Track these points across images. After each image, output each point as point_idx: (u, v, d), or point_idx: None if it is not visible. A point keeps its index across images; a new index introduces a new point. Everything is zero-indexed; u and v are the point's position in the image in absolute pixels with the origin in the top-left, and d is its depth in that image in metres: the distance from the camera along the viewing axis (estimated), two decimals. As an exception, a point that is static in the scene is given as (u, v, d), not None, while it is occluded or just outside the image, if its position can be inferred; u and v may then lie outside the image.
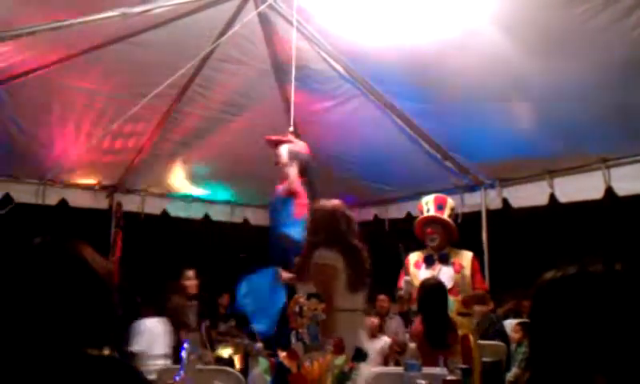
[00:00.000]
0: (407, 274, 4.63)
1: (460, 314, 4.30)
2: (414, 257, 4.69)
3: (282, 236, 4.16)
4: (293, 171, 4.28)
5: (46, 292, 1.30)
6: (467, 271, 4.48)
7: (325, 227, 3.57)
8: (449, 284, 4.32)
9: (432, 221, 4.60)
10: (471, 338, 4.28)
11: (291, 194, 4.26)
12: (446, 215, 4.60)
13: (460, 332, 4.11)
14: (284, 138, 4.50)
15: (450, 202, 4.74)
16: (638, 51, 3.61)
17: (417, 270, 4.61)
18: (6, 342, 1.28)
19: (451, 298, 4.25)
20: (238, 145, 6.22)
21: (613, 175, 4.88)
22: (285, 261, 4.09)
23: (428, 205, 4.67)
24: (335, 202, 3.72)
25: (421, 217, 4.68)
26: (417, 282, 4.45)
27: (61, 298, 1.31)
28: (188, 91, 5.45)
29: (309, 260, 3.52)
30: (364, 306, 3.73)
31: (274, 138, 4.54)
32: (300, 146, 4.47)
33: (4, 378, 1.25)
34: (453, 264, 4.50)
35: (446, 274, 4.43)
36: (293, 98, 4.64)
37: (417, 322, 4.17)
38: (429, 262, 4.56)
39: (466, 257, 4.56)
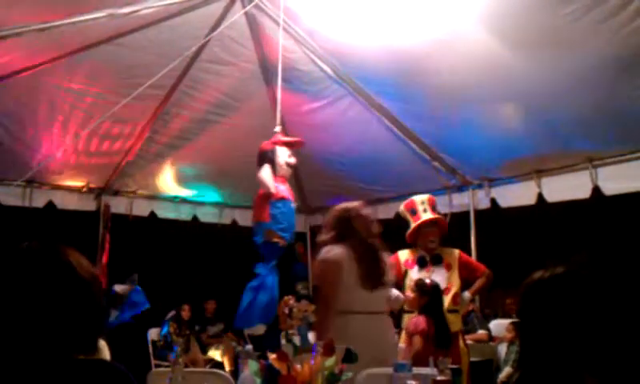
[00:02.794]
0: (399, 273, 4.60)
1: (449, 311, 4.32)
2: (404, 255, 4.66)
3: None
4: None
5: (32, 298, 1.29)
6: (455, 269, 4.50)
7: (336, 225, 3.43)
8: (443, 285, 4.34)
9: (434, 222, 4.59)
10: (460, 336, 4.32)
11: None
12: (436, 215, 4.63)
13: (450, 329, 4.16)
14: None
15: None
16: (626, 51, 3.64)
17: (408, 269, 4.60)
18: None
19: (444, 298, 4.28)
20: (227, 145, 6.21)
21: (599, 174, 4.91)
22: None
23: (424, 205, 4.63)
24: (353, 203, 3.56)
25: (426, 218, 4.58)
26: (409, 282, 4.46)
27: (46, 303, 1.30)
28: (176, 92, 5.43)
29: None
30: (385, 308, 3.48)
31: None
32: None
33: None
34: (445, 264, 4.51)
35: (439, 276, 4.43)
36: (279, 99, 4.58)
37: (420, 322, 4.13)
38: (421, 263, 4.54)
39: (453, 254, 4.58)
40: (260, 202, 4.17)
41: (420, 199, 4.67)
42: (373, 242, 3.44)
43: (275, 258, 4.09)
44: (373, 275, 3.31)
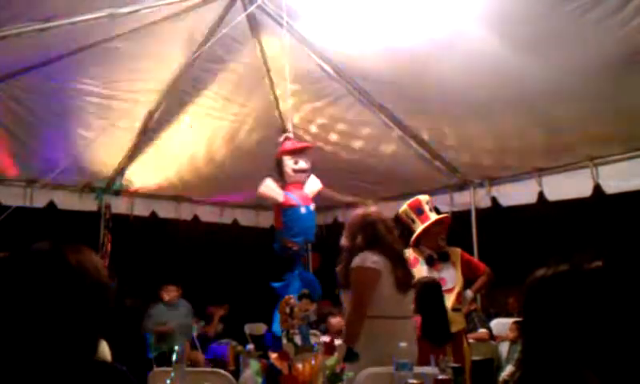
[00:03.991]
0: None
1: (453, 309, 4.31)
2: (406, 253, 4.64)
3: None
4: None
5: (35, 301, 1.28)
6: (458, 268, 4.50)
7: (360, 231, 3.46)
8: (452, 282, 4.34)
9: (440, 221, 4.59)
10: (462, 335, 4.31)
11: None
12: None
13: (453, 328, 4.14)
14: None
15: None
16: (627, 49, 3.63)
17: (411, 268, 4.57)
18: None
19: (450, 295, 4.28)
20: (228, 145, 6.20)
21: (601, 173, 4.92)
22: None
23: (429, 204, 4.63)
24: (368, 208, 3.64)
25: (437, 218, 4.59)
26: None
27: (49, 307, 1.28)
28: (176, 92, 5.42)
29: (349, 266, 3.36)
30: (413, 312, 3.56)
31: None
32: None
33: None
34: (451, 262, 4.51)
35: (448, 273, 4.43)
36: (290, 104, 4.58)
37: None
38: (430, 262, 4.52)
39: (456, 253, 4.58)
40: (275, 210, 4.34)
41: (425, 199, 4.66)
42: (398, 247, 3.53)
43: (295, 261, 4.18)
44: (405, 279, 3.40)
